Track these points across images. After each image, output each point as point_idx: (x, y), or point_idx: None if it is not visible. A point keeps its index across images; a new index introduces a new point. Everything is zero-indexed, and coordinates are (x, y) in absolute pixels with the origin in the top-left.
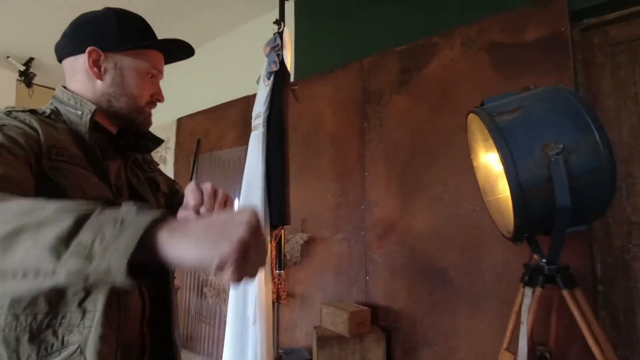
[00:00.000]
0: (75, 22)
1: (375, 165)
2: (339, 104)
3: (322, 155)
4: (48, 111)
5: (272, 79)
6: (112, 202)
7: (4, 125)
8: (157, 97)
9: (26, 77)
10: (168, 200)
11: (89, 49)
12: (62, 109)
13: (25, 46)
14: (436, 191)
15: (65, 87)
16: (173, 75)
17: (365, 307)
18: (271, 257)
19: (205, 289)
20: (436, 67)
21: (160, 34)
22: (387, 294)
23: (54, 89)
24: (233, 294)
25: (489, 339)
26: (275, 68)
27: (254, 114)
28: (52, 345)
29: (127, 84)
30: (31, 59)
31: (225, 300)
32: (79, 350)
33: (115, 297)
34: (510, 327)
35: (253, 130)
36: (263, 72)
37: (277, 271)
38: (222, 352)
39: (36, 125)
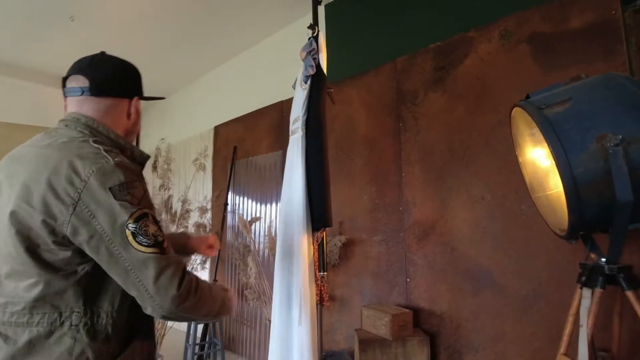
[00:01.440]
0: (121, 71)
1: (411, 166)
2: (373, 106)
3: (356, 158)
4: (108, 145)
5: (309, 82)
6: None
7: (144, 186)
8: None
9: None
10: None
11: (136, 97)
12: (107, 143)
13: None
14: (477, 190)
15: (97, 121)
16: (209, 86)
17: (407, 310)
18: (314, 259)
19: (246, 292)
20: (473, 62)
21: (197, 48)
22: (429, 296)
23: None
24: (277, 295)
25: (540, 344)
26: (312, 72)
27: (291, 118)
28: None
29: (137, 123)
30: None
31: (266, 303)
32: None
33: None
34: (567, 330)
35: (291, 134)
36: (300, 76)
37: (320, 273)
38: (262, 354)
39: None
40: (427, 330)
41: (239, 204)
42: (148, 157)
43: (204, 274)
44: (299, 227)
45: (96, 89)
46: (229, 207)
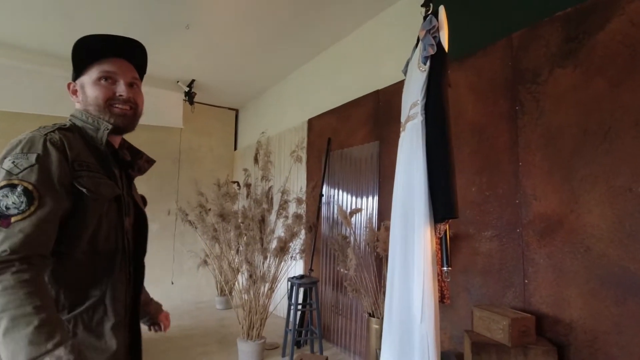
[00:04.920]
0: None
1: (531, 154)
2: (482, 90)
3: (462, 147)
4: (68, 124)
5: (428, 63)
6: (120, 196)
7: (46, 158)
8: (118, 95)
9: (189, 96)
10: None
11: (67, 83)
12: (79, 123)
13: (188, 71)
14: (622, 180)
15: (75, 110)
16: (302, 80)
17: (529, 315)
18: (435, 252)
19: (345, 283)
20: (619, 27)
21: (289, 44)
22: (554, 301)
23: (210, 105)
24: (394, 291)
25: None
26: (432, 52)
27: (407, 104)
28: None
29: (87, 95)
30: (193, 81)
31: (364, 296)
32: (100, 299)
33: (124, 266)
34: None
35: (409, 120)
36: (418, 57)
37: (443, 268)
38: (357, 345)
39: (65, 144)
40: (553, 340)
41: (334, 196)
42: (108, 127)
43: (299, 264)
44: (420, 218)
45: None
46: (323, 199)
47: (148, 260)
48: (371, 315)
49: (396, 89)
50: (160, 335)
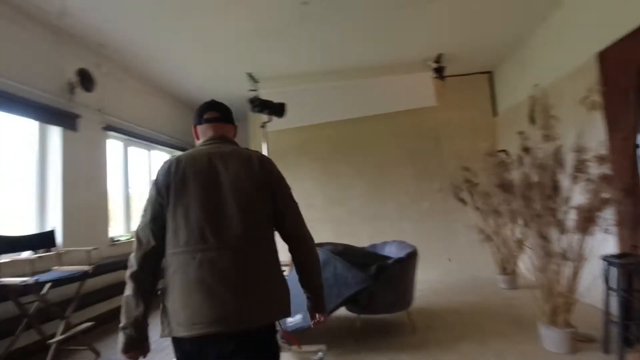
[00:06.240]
0: (230, 110)
1: None
2: None
3: None
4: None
5: None
6: None
7: None
8: None
9: (439, 71)
10: None
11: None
12: None
13: (433, 47)
14: None
15: (231, 137)
16: (576, 6)
17: None
18: None
19: None
20: None
21: None
22: None
23: (460, 75)
24: None
25: None
26: None
27: None
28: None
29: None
30: (440, 55)
31: None
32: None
33: None
34: None
35: None
36: None
37: None
38: None
39: None
40: None
41: None
42: None
43: (613, 240)
44: None
45: (226, 119)
46: None
47: (423, 238)
48: None
49: None
50: (444, 308)
